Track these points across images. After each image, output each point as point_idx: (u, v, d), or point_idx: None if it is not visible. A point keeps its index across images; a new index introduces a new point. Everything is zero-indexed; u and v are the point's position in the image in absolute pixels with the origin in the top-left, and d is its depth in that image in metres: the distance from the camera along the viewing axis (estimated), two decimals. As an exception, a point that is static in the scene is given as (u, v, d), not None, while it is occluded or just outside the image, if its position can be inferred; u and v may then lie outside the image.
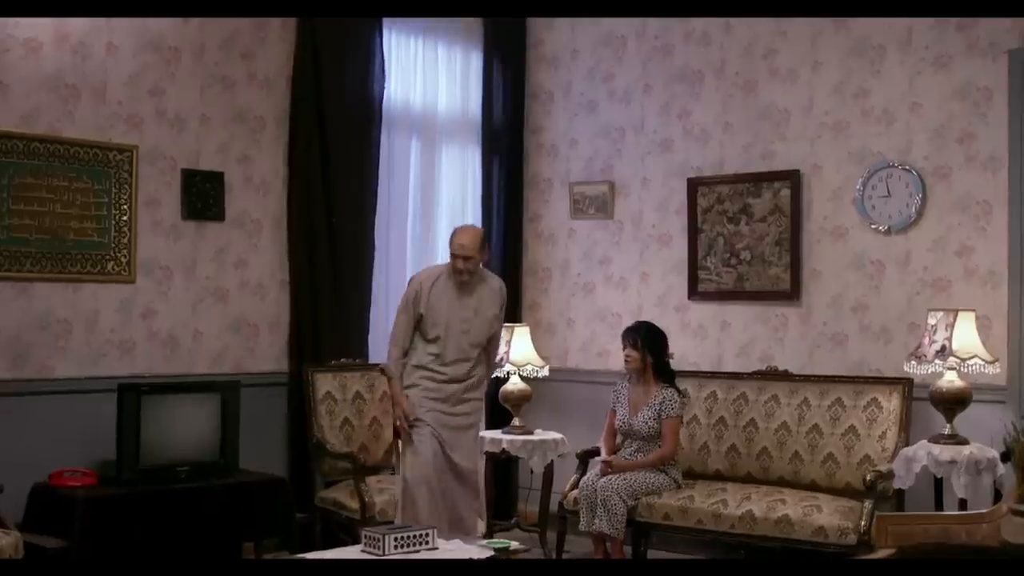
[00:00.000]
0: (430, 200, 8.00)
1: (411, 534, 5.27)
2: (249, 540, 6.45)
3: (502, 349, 7.47)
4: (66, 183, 6.36)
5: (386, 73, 7.55)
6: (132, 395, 6.13)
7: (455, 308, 6.39)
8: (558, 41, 8.32)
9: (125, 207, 6.59)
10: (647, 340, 6.71)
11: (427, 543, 5.28)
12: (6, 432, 6.09)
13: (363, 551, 5.23)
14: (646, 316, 7.75)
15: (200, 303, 6.94)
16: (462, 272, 6.35)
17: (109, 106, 6.55)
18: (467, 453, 6.44)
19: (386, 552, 5.13)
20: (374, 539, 5.22)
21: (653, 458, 6.61)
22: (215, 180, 6.97)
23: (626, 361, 6.74)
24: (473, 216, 8.15)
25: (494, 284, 6.59)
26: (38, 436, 6.18)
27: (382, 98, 7.53)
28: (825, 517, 6.09)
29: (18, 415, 6.16)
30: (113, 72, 6.56)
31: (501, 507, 7.92)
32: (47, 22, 6.28)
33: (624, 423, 6.72)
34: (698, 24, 7.59)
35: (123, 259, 6.59)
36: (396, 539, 5.21)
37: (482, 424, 6.92)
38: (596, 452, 7.22)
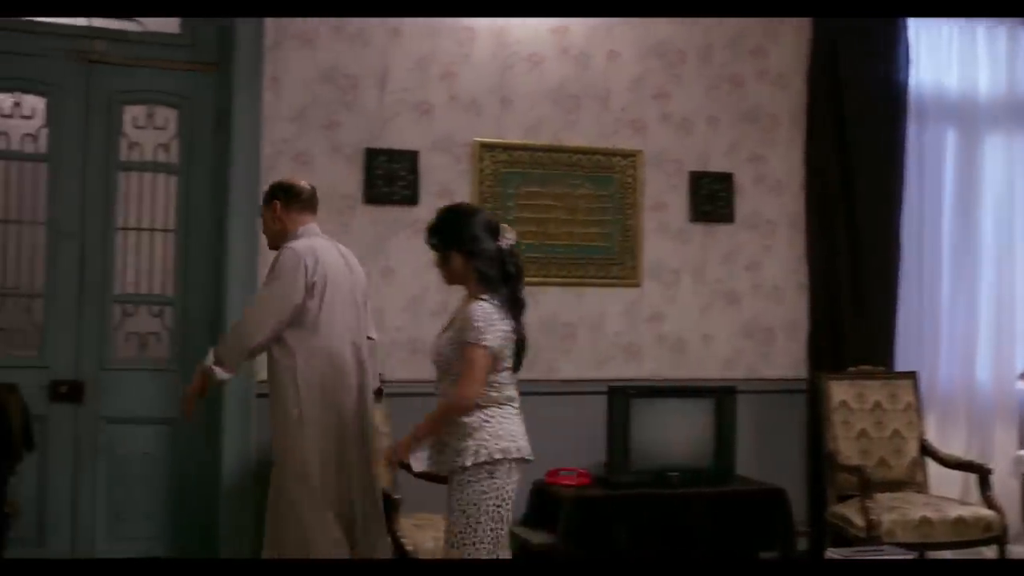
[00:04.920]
0: (970, 195, 7.27)
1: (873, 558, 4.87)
2: (742, 552, 6.23)
3: None
4: (569, 190, 6.56)
5: (912, 59, 7.02)
6: (621, 398, 6.16)
7: None
8: None
9: (630, 212, 6.66)
10: (447, 240, 4.46)
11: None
12: (513, 430, 6.36)
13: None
14: None
15: (709, 307, 6.86)
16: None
17: (612, 112, 6.66)
18: None
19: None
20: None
21: (437, 413, 4.44)
22: (724, 181, 6.86)
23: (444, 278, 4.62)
24: (1022, 211, 7.33)
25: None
26: (542, 435, 6.32)
27: (907, 86, 7.01)
28: None
29: (526, 414, 6.39)
30: (615, 79, 6.66)
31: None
32: (549, 37, 6.51)
33: (433, 349, 4.60)
34: None
35: (628, 263, 6.66)
36: (860, 563, 4.85)
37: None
38: None
